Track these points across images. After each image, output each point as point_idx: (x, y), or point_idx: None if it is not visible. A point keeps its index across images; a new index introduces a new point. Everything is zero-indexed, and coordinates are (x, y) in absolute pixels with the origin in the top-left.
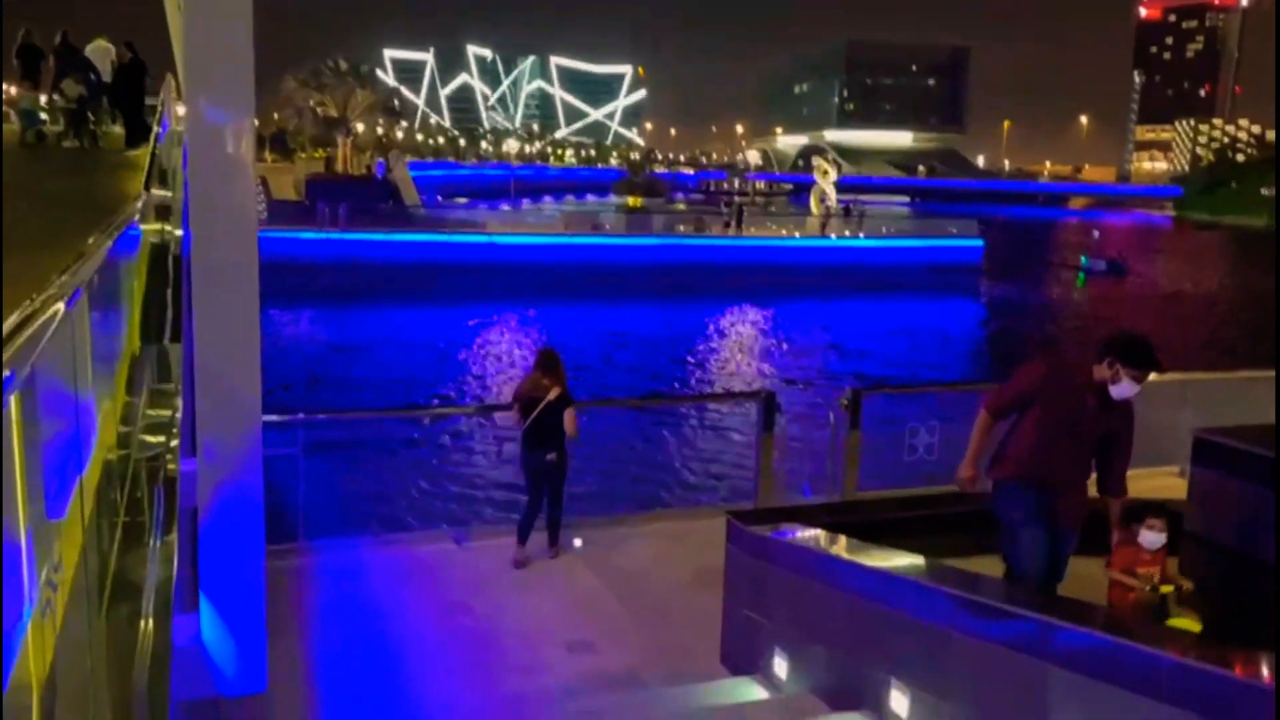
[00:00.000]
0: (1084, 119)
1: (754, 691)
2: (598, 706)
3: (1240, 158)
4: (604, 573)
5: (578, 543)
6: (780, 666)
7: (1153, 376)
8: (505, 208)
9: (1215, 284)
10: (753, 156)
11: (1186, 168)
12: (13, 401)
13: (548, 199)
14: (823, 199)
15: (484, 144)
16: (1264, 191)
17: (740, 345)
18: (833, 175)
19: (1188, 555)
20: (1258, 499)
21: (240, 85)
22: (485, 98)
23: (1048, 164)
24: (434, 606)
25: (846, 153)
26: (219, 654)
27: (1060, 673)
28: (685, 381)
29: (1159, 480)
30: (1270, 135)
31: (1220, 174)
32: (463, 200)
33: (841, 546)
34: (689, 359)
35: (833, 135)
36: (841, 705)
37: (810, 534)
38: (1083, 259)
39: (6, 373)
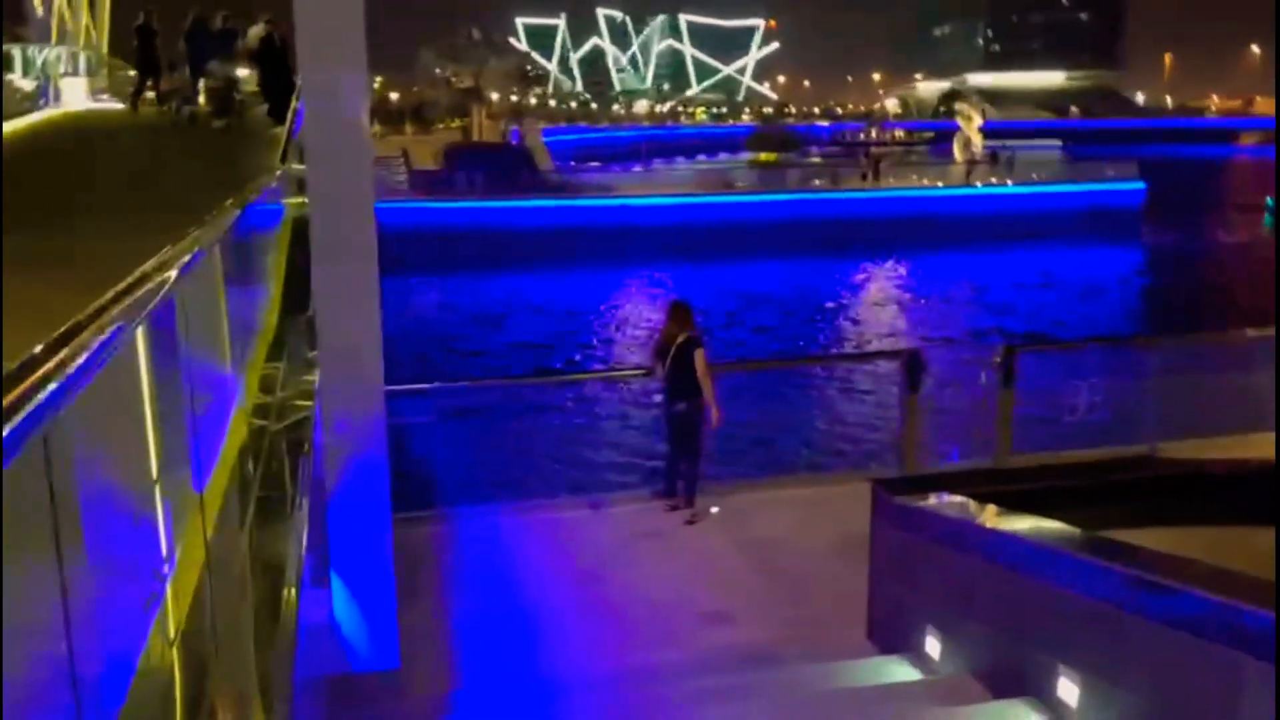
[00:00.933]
0: (1255, 47)
1: (905, 671)
2: (736, 683)
3: None
4: (741, 541)
5: (714, 510)
6: (933, 646)
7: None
8: (637, 169)
9: None
10: (890, 105)
11: None
12: (144, 366)
13: (679, 159)
14: (967, 145)
15: (616, 106)
16: None
17: (879, 302)
18: (977, 121)
19: None
20: None
21: (354, 53)
22: (616, 60)
23: (1215, 98)
24: (568, 574)
25: (993, 96)
26: (351, 629)
27: (1253, 663)
28: (821, 342)
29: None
30: None
31: None
32: (596, 164)
33: (999, 517)
34: (826, 318)
35: (976, 78)
36: (1003, 691)
37: (963, 503)
38: (1269, 200)
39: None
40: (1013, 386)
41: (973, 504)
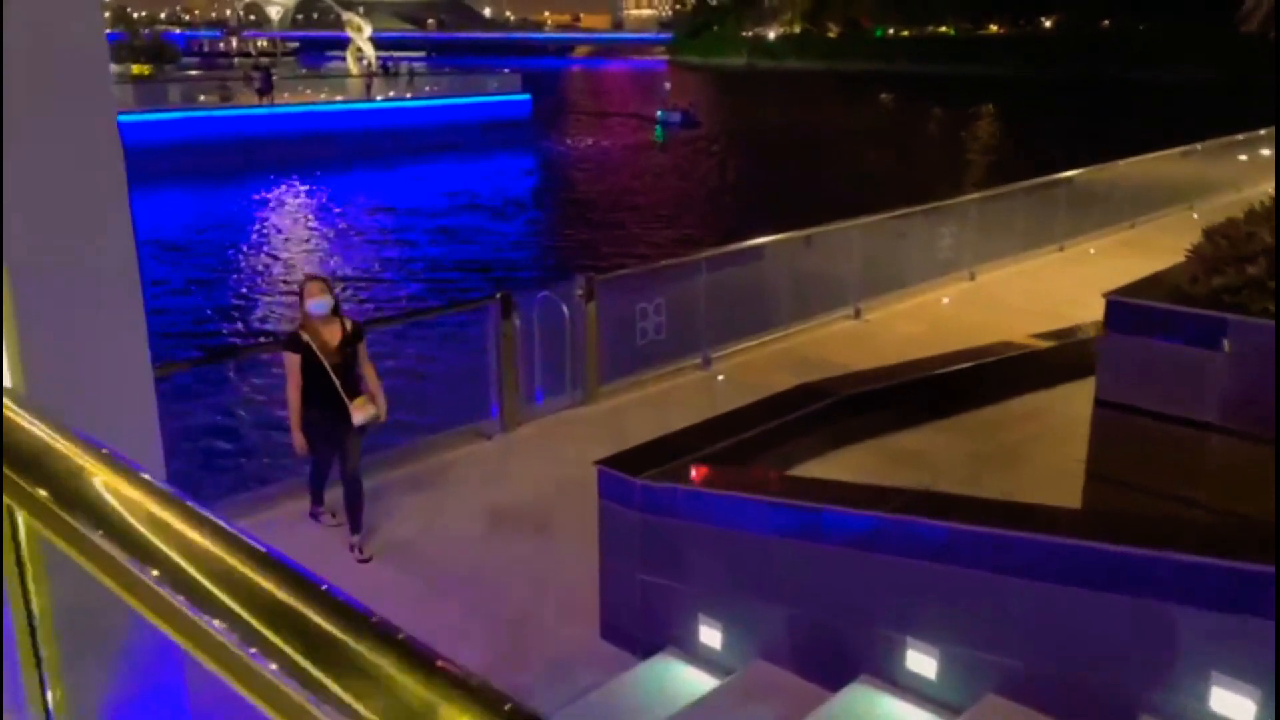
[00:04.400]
0: None
1: (694, 675)
2: None
3: (716, 2)
4: (370, 540)
5: (330, 518)
6: (711, 636)
7: (809, 230)
8: None
9: (767, 125)
10: (274, 12)
11: (670, 13)
12: None
13: None
14: (360, 57)
15: None
16: (744, 34)
17: (321, 233)
18: (367, 31)
19: (1104, 424)
20: (1186, 359)
21: None
22: None
23: (548, 14)
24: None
25: (350, 5)
26: None
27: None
28: (252, 292)
29: (839, 325)
30: None
31: (702, 18)
32: None
33: (784, 488)
34: (244, 262)
35: None
36: (832, 677)
37: (728, 474)
38: (659, 112)
39: None
40: (598, 317)
41: (744, 475)
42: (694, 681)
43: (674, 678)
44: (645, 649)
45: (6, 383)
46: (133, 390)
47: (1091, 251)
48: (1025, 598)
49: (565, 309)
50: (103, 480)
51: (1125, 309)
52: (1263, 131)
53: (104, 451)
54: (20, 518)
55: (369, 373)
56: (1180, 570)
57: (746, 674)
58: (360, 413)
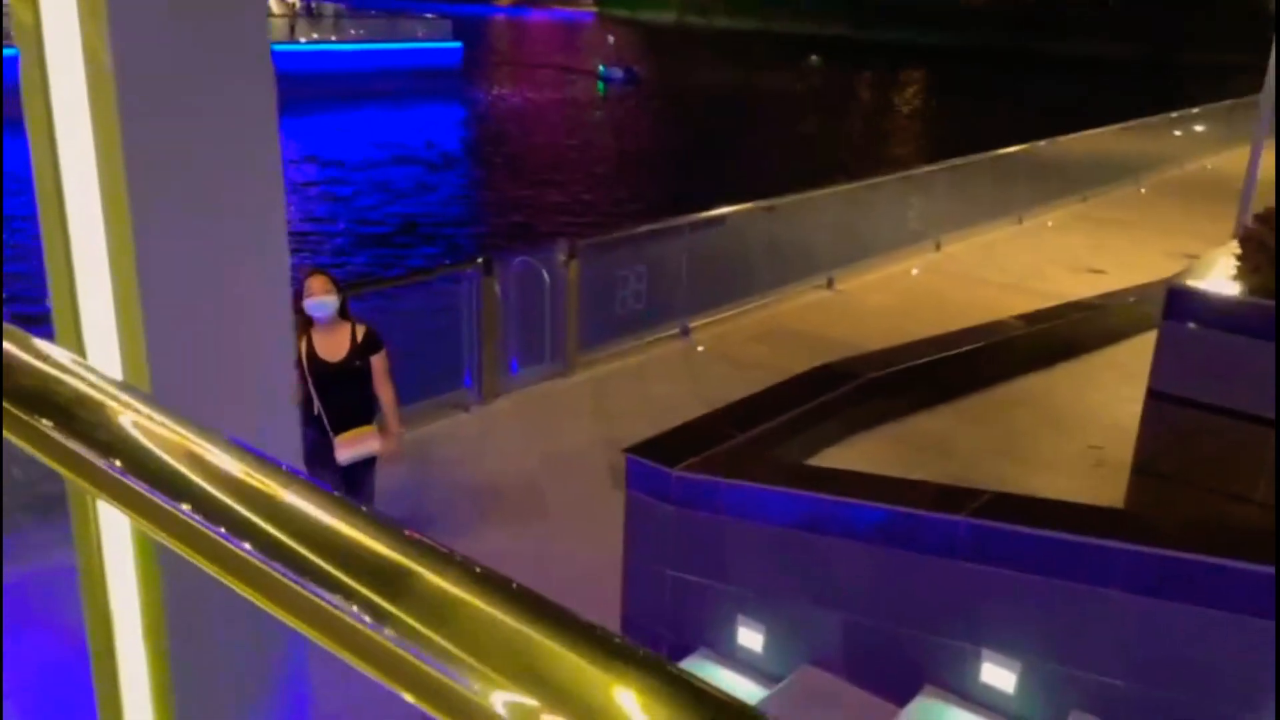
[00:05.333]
0: None
1: (730, 676)
2: None
3: None
4: None
5: None
6: (750, 639)
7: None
8: None
9: (705, 84)
10: None
11: None
12: None
13: None
14: None
15: None
16: None
17: None
18: None
19: (1158, 416)
20: (1252, 353)
21: None
22: None
23: None
24: None
25: None
26: None
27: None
28: None
29: (813, 295)
30: None
31: None
32: None
33: (845, 484)
34: None
35: None
36: (890, 687)
37: (779, 468)
38: (600, 67)
39: None
40: (579, 283)
41: (786, 465)
42: (734, 686)
43: (712, 681)
44: (674, 649)
45: (118, 374)
46: (269, 385)
47: (1049, 224)
48: (1121, 611)
49: (545, 274)
50: (224, 471)
51: (1186, 297)
52: (1195, 110)
53: (233, 444)
54: (126, 519)
55: (385, 395)
56: None
57: (797, 681)
58: (347, 450)
